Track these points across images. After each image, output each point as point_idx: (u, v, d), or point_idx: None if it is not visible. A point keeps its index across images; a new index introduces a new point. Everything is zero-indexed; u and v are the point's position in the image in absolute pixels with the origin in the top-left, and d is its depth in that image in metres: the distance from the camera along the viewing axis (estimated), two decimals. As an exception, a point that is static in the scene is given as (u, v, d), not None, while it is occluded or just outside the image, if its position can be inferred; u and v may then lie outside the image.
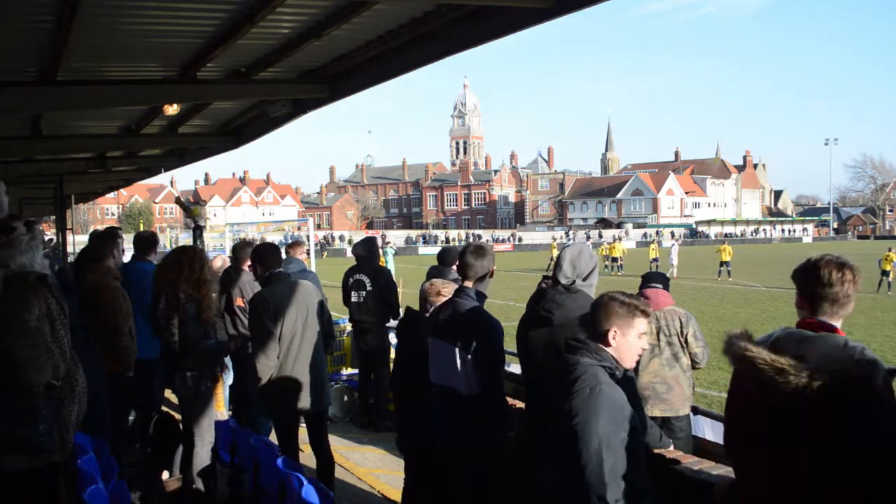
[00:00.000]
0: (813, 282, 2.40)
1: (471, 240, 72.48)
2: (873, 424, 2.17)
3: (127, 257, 6.70)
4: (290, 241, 8.63)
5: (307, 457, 5.11)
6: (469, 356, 3.71)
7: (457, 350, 3.75)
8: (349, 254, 16.43)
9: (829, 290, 2.36)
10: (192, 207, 13.73)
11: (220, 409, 4.90)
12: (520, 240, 79.86)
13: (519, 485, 3.69)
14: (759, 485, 2.46)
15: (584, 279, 3.45)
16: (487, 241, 75.90)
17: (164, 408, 6.15)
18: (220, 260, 7.33)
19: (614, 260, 34.99)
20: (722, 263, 29.73)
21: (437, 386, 3.93)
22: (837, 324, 2.39)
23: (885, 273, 24.41)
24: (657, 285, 5.21)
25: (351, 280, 7.87)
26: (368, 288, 7.72)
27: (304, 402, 4.86)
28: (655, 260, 33.06)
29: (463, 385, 3.74)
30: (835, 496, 2.23)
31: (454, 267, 6.98)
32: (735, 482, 2.72)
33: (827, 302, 2.37)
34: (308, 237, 14.67)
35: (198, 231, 12.32)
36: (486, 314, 3.81)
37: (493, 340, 3.74)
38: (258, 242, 6.14)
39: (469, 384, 3.72)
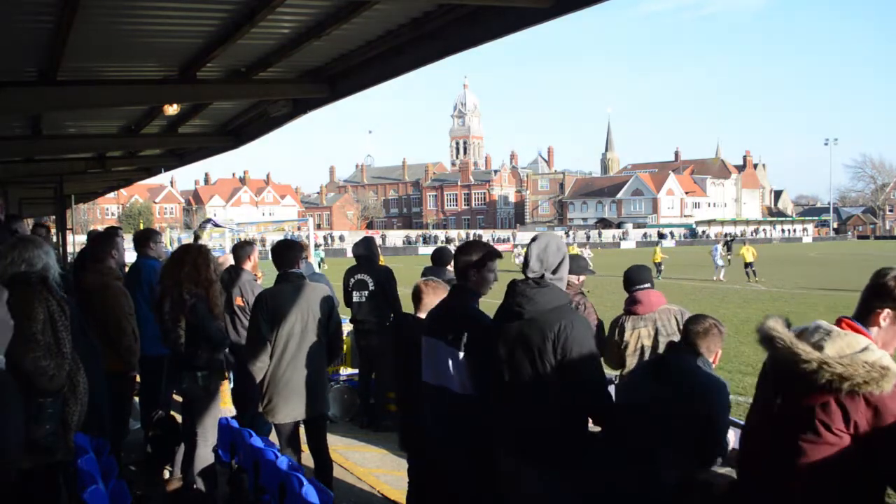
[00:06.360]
0: (879, 293, 2.43)
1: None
2: (878, 430, 2.21)
3: (127, 257, 6.68)
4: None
5: (308, 457, 5.10)
6: (462, 355, 3.66)
7: (450, 349, 3.71)
8: (349, 253, 16.44)
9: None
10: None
11: (227, 405, 4.88)
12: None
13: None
14: (765, 473, 2.46)
15: (553, 272, 3.37)
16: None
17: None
18: (226, 258, 7.30)
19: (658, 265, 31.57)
20: (746, 265, 28.16)
21: (429, 385, 3.88)
22: (872, 332, 2.41)
23: (657, 264, 29.72)
24: (646, 286, 5.00)
25: (352, 280, 7.84)
26: (371, 288, 7.70)
27: (299, 407, 4.79)
28: (659, 264, 30.16)
29: (456, 385, 3.70)
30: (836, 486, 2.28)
31: (449, 267, 6.98)
32: (736, 482, 2.72)
33: (883, 312, 2.40)
34: (308, 237, 14.71)
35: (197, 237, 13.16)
36: (478, 312, 3.77)
37: (485, 339, 3.66)
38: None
39: (462, 384, 3.68)
